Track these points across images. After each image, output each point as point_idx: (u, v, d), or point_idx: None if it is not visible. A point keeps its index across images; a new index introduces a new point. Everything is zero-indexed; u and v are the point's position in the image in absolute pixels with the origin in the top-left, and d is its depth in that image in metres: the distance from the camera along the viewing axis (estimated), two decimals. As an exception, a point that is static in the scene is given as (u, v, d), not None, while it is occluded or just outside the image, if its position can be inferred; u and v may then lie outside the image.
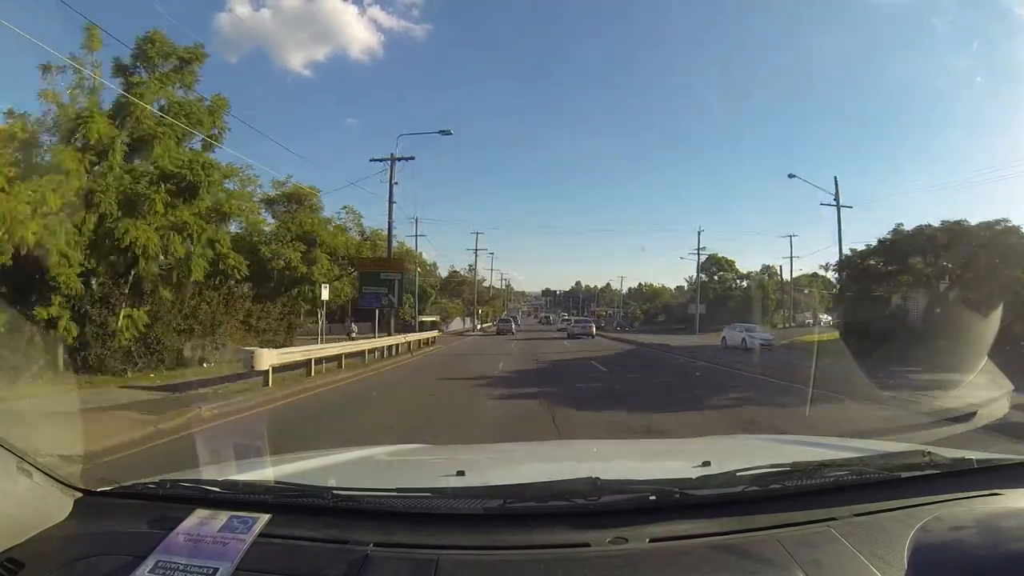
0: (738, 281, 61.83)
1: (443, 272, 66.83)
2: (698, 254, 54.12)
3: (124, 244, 13.21)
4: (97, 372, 12.51)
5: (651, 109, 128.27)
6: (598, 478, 1.27)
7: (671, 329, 51.95)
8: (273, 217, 28.85)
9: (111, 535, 1.20)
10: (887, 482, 1.41)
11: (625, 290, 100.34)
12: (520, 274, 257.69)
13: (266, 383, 10.80)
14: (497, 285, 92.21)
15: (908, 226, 20.03)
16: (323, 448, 3.00)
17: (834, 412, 8.75)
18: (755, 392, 11.30)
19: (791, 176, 29.48)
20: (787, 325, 50.01)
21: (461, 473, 1.47)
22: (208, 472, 1.69)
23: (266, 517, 1.19)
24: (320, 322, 24.98)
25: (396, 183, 24.78)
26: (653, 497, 1.26)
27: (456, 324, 56.85)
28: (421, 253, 48.80)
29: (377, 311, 25.55)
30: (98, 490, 1.37)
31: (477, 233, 60.82)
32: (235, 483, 1.46)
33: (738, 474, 1.33)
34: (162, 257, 14.64)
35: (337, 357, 15.28)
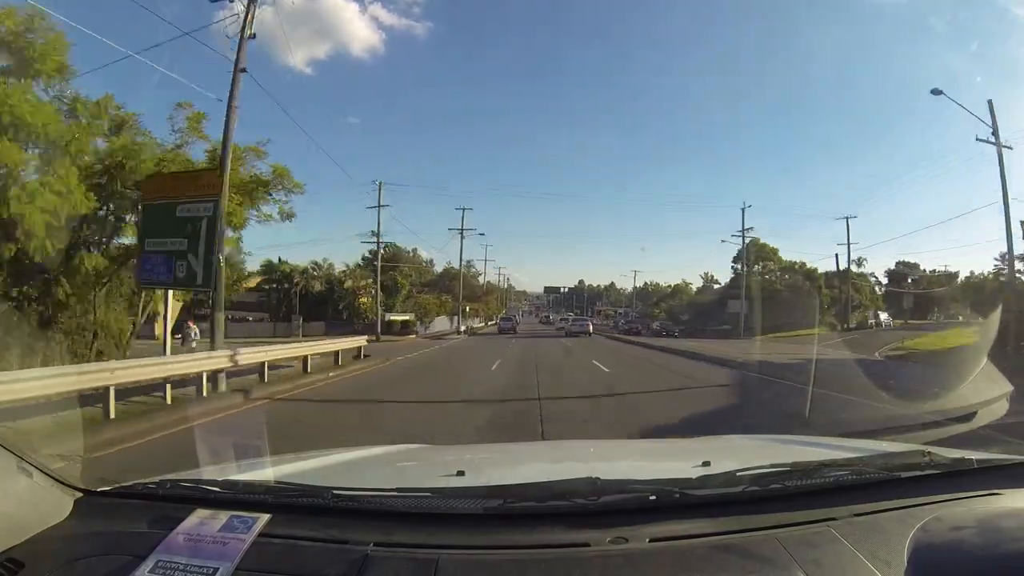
0: (779, 274, 50.49)
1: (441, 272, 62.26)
2: (743, 236, 42.61)
3: None
4: None
5: (648, 109, 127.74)
6: (598, 478, 1.27)
7: (705, 331, 41.61)
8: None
9: (111, 535, 1.20)
10: (887, 482, 1.41)
11: (629, 288, 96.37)
12: (522, 274, 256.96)
13: None
14: (493, 280, 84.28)
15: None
16: None
17: None
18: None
19: (936, 92, 19.63)
20: (847, 326, 40.48)
21: (461, 473, 1.47)
22: (208, 472, 1.69)
23: (266, 517, 1.19)
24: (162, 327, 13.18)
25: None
26: (653, 497, 1.26)
27: (441, 324, 48.70)
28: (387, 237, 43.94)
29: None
30: (98, 490, 1.37)
31: (463, 209, 50.35)
32: (235, 483, 1.46)
33: (738, 474, 1.33)
34: None
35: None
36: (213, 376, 10.73)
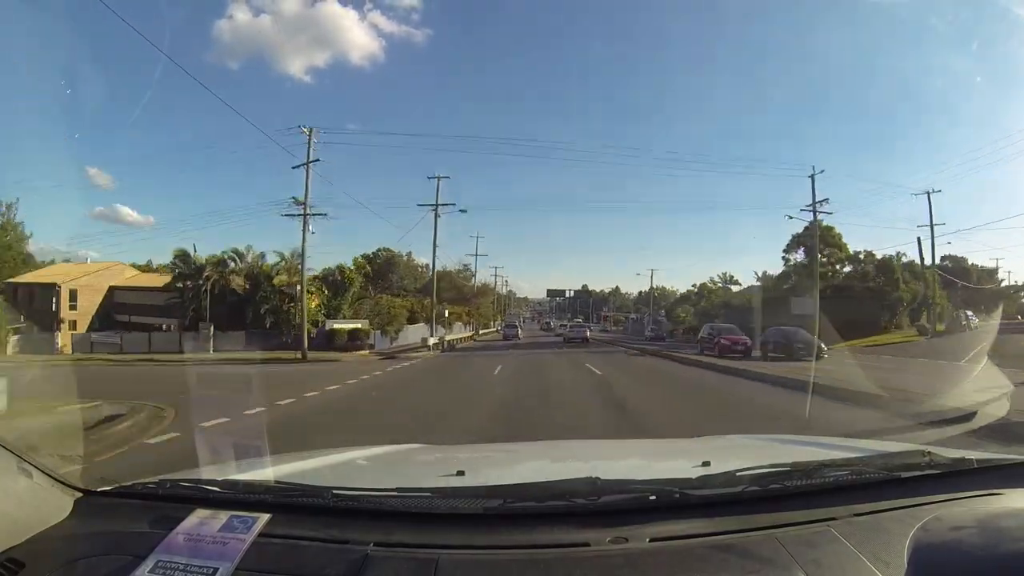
0: (839, 266, 38.96)
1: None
2: (814, 210, 29.00)
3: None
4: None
5: (649, 109, 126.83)
6: (598, 478, 1.27)
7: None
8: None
9: (111, 535, 1.20)
10: (887, 482, 1.41)
11: (635, 292, 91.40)
12: (524, 281, 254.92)
13: None
14: (490, 282, 70.33)
15: None
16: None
17: None
18: None
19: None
20: (935, 330, 30.87)
21: (461, 473, 1.47)
22: (208, 472, 1.69)
23: (266, 517, 1.19)
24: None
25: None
26: (653, 497, 1.26)
27: (418, 334, 33.92)
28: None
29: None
30: (98, 490, 1.37)
31: (439, 177, 35.82)
32: (235, 483, 1.46)
33: (738, 474, 1.33)
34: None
35: None
36: None
